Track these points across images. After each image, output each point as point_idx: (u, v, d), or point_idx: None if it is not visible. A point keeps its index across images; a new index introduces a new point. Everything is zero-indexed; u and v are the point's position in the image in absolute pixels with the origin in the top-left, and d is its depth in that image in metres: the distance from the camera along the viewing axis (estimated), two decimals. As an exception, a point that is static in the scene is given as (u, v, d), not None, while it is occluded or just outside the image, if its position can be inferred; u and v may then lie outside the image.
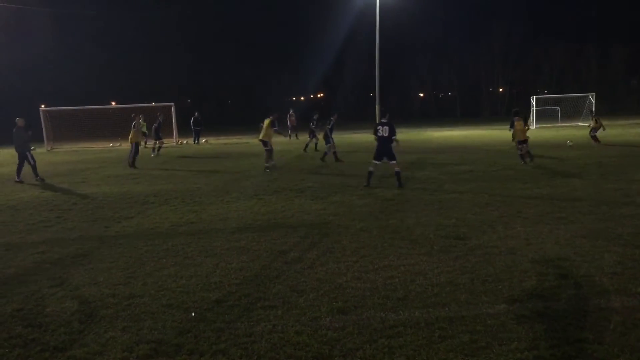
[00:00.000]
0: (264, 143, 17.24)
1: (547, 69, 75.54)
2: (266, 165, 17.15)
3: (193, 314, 5.36)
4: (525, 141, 16.67)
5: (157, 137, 24.70)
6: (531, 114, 38.71)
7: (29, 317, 5.46)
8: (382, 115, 14.54)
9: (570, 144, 23.23)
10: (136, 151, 20.04)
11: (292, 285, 6.11)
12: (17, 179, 16.42)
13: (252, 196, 12.30)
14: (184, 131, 36.35)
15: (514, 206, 10.20)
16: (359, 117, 44.43)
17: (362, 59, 61.12)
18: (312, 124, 24.60)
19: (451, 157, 19.71)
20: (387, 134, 12.90)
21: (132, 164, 19.69)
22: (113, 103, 44.04)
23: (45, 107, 36.12)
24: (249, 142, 32.28)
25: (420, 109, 79.69)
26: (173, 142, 33.25)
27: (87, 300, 5.90)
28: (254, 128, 29.01)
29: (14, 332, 5.09)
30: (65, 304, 5.81)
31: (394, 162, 12.97)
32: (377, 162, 13.27)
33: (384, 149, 12.98)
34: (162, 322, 5.20)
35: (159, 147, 24.87)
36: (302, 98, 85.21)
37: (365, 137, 33.54)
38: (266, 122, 17.41)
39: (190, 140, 33.89)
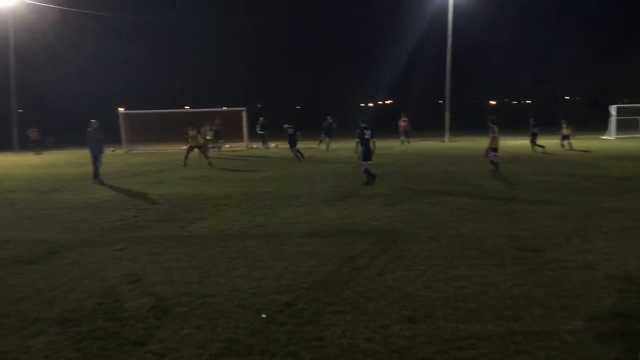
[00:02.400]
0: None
1: (628, 77, 72.04)
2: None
3: (264, 316, 5.46)
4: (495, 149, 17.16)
5: (217, 140, 25.92)
6: (610, 123, 37.09)
7: (109, 311, 5.71)
8: (362, 121, 15.17)
9: None
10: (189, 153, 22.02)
11: (361, 292, 6.11)
12: (94, 180, 17.13)
13: (321, 201, 12.39)
14: (254, 135, 37.04)
15: (593, 219, 9.80)
16: (428, 124, 43.90)
17: (432, 65, 60.41)
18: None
19: (525, 166, 19.16)
20: (370, 137, 14.72)
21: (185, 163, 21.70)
22: (187, 107, 45.44)
23: (123, 110, 37.71)
24: (317, 147, 32.52)
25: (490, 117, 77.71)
26: (243, 146, 33.96)
27: (162, 297, 6.11)
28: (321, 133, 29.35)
29: (95, 325, 5.34)
30: (142, 300, 6.04)
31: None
32: (369, 162, 14.88)
33: (369, 149, 14.81)
34: (235, 322, 5.32)
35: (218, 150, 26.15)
36: (371, 104, 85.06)
37: (433, 145, 33.13)
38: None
39: (260, 144, 34.50)
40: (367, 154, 14.82)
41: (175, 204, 12.58)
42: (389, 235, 8.91)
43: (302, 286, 6.37)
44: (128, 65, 64.60)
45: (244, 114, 35.25)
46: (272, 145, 34.84)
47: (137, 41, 65.47)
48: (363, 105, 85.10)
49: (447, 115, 39.45)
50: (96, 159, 17.22)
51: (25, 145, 36.75)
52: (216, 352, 4.66)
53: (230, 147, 31.59)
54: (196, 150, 22.29)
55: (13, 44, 40.63)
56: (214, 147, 26.99)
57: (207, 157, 22.14)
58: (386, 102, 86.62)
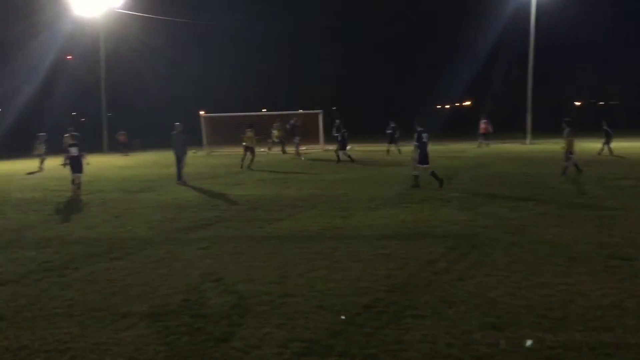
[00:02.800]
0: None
1: None
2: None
3: (343, 317, 5.49)
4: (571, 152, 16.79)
5: (292, 136, 26.55)
6: None
7: (194, 307, 5.92)
8: (419, 124, 15.01)
9: None
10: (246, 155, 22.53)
11: (441, 296, 6.02)
12: (178, 181, 17.78)
13: (397, 204, 12.31)
14: (330, 138, 37.27)
15: (690, 227, 9.21)
16: (508, 126, 42.63)
17: (514, 65, 58.61)
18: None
19: (613, 170, 18.24)
20: (427, 140, 14.66)
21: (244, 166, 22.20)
22: (264, 110, 46.26)
23: (204, 113, 38.92)
24: (389, 150, 32.29)
25: (576, 118, 74.37)
26: (319, 148, 34.25)
27: (244, 295, 6.27)
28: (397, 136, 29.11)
29: (181, 320, 5.55)
30: (225, 298, 6.22)
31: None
32: (425, 165, 14.70)
33: (426, 153, 14.69)
34: (314, 322, 5.38)
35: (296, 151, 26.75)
36: (447, 106, 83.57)
37: (514, 147, 32.16)
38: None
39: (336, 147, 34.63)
40: (425, 157, 14.72)
41: (254, 205, 12.86)
42: (469, 239, 8.73)
43: (381, 289, 6.35)
44: (209, 69, 66.72)
45: (320, 117, 35.57)
46: (347, 147, 34.91)
47: (217, 45, 67.46)
48: (439, 107, 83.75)
49: (529, 116, 38.18)
50: (180, 160, 17.89)
51: (114, 147, 38.70)
52: (297, 351, 4.73)
53: (306, 149, 31.90)
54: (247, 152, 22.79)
55: (104, 51, 42.89)
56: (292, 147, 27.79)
57: (245, 161, 22.71)
58: (464, 103, 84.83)
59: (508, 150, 29.74)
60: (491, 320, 5.29)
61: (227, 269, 7.41)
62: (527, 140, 36.39)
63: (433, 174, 14.72)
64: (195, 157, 30.35)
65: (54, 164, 26.11)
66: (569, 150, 16.75)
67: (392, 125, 29.73)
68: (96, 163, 28.72)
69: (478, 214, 10.89)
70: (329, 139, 36.81)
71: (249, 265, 7.53)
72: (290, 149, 30.45)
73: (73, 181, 15.67)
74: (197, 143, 38.12)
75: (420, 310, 5.60)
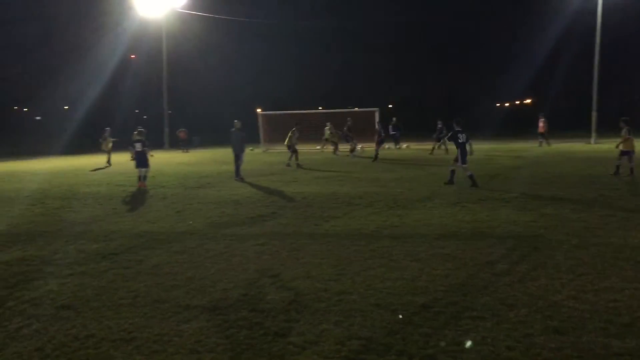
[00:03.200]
0: None
1: None
2: None
3: (400, 316, 5.46)
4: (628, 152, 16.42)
5: (347, 140, 26.57)
6: None
7: (252, 302, 6.02)
8: (457, 124, 14.94)
9: None
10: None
11: (501, 298, 5.90)
12: (236, 177, 18.08)
13: (455, 203, 12.12)
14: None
15: None
16: (573, 125, 41.27)
17: (578, 61, 56.71)
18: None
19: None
20: (465, 141, 14.69)
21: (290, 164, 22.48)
22: (320, 108, 46.48)
23: (261, 111, 39.45)
24: (450, 148, 31.82)
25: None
26: (374, 147, 34.07)
27: (301, 292, 6.32)
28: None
29: (240, 314, 5.65)
30: (282, 293, 6.30)
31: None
32: (465, 165, 14.73)
33: (465, 152, 14.74)
34: (371, 320, 5.37)
35: (352, 149, 27.03)
36: (507, 104, 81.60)
37: (578, 147, 31.14)
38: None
39: (391, 145, 34.45)
40: (464, 157, 14.72)
41: (311, 202, 12.94)
42: (530, 241, 8.51)
43: (439, 289, 6.28)
44: (267, 67, 67.60)
45: (377, 115, 35.41)
46: (404, 146, 34.67)
47: (276, 43, 68.21)
48: (498, 104, 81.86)
49: (594, 115, 36.79)
50: (238, 157, 18.21)
51: (175, 144, 39.77)
52: (354, 349, 4.74)
53: (362, 147, 31.80)
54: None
55: (165, 50, 44.07)
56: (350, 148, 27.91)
57: (292, 160, 22.89)
58: (524, 101, 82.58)
59: (572, 149, 28.79)
60: (554, 324, 5.15)
61: (284, 265, 7.49)
62: (592, 140, 35.10)
63: (471, 176, 14.72)
64: (253, 155, 30.82)
65: (120, 159, 27.10)
66: (629, 150, 16.34)
67: (439, 125, 29.96)
68: (157, 159, 29.62)
69: (540, 214, 10.59)
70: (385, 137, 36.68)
71: (305, 262, 7.59)
72: (344, 148, 30.33)
73: (140, 177, 16.59)
74: (255, 140, 38.73)
75: (479, 312, 5.50)
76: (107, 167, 24.70)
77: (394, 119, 35.05)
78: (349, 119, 29.69)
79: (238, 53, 66.68)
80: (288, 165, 22.58)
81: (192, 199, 13.86)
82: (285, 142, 23.36)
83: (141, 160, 16.81)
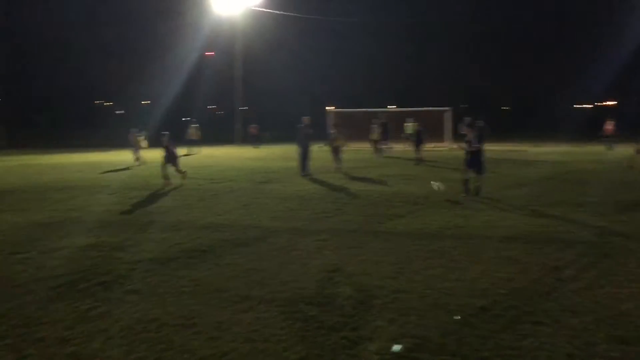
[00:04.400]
0: None
1: None
2: None
3: (458, 318, 5.37)
4: None
5: (385, 138, 26.26)
6: None
7: (310, 295, 6.09)
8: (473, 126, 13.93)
9: None
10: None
11: (565, 305, 5.69)
12: (302, 173, 18.25)
13: (524, 206, 11.76)
14: (457, 136, 36.38)
15: None
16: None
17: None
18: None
19: None
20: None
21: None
22: (393, 106, 46.12)
23: (333, 108, 39.62)
24: (527, 150, 30.93)
25: None
26: (445, 147, 33.51)
27: (359, 288, 6.34)
28: (530, 136, 27.79)
29: (297, 307, 5.73)
30: (339, 289, 6.33)
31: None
32: (478, 174, 13.48)
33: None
34: (427, 320, 5.32)
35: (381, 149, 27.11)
36: (589, 105, 78.09)
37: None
38: None
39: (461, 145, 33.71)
40: (475, 162, 13.25)
41: (375, 200, 12.91)
42: (601, 247, 8.14)
43: (500, 292, 6.13)
44: (339, 64, 67.85)
45: (448, 115, 34.80)
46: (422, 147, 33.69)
47: (349, 41, 68.27)
48: (578, 106, 78.49)
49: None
50: (305, 153, 18.39)
51: (246, 139, 40.65)
52: (408, 346, 4.71)
53: (435, 146, 31.39)
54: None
55: (240, 47, 45.09)
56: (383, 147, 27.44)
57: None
58: (606, 103, 78.79)
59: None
60: (619, 333, 4.92)
61: (343, 261, 7.53)
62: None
63: (466, 182, 13.40)
64: (321, 152, 30.96)
65: (184, 152, 27.97)
66: None
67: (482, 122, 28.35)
68: (228, 154, 30.50)
69: (614, 221, 10.11)
70: (455, 137, 35.98)
71: (365, 259, 7.59)
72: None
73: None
74: (324, 137, 38.90)
75: (540, 317, 5.34)
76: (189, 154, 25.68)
77: (467, 118, 34.21)
78: (383, 115, 29.00)
79: (310, 50, 67.15)
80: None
81: (259, 194, 14.13)
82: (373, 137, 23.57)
83: (170, 157, 16.60)
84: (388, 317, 5.41)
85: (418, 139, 23.73)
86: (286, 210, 11.71)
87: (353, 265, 7.31)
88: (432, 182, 9.84)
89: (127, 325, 5.24)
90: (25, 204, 12.68)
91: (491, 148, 31.71)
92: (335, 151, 20.81)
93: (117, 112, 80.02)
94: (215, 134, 45.35)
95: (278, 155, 29.15)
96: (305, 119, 18.60)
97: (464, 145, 13.45)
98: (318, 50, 66.75)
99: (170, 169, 16.39)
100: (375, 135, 27.88)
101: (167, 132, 17.06)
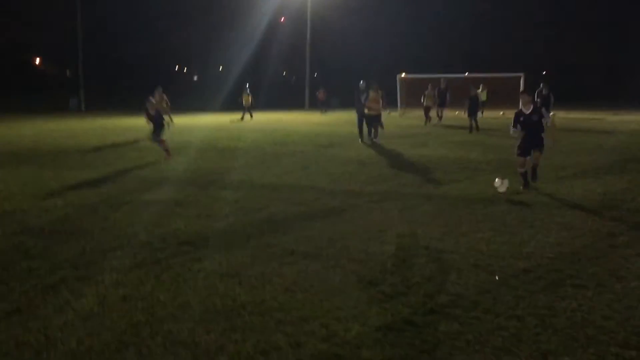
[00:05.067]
0: None
1: None
2: None
3: (497, 278, 5.38)
4: None
5: (442, 105, 25.83)
6: None
7: (352, 252, 6.23)
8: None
9: None
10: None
11: (612, 269, 5.56)
12: (370, 138, 18.21)
13: (591, 174, 11.38)
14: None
15: None
16: None
17: None
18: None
19: None
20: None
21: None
22: (466, 73, 44.85)
23: (405, 75, 39.04)
24: (605, 118, 29.53)
25: None
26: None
27: (403, 247, 6.43)
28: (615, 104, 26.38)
29: (339, 262, 5.89)
30: (384, 247, 6.44)
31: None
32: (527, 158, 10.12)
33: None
34: (465, 279, 5.36)
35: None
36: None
37: None
38: None
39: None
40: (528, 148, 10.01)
41: (435, 165, 12.82)
42: (665, 215, 7.82)
43: (546, 255, 6.05)
44: (410, 30, 66.46)
45: (522, 81, 33.60)
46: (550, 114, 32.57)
47: (420, 5, 66.63)
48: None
49: None
50: (361, 119, 18.32)
51: (314, 104, 40.89)
52: (441, 302, 4.79)
53: (503, 113, 30.51)
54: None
55: (310, 13, 45.04)
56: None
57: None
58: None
59: None
60: (664, 299, 4.79)
61: (392, 222, 7.61)
62: None
63: (529, 172, 10.12)
64: (389, 118, 30.75)
65: (261, 118, 28.54)
66: None
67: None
68: (296, 119, 30.90)
69: (686, 190, 9.63)
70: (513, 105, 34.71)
71: (414, 221, 7.64)
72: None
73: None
74: (392, 104, 38.56)
75: (583, 281, 5.26)
76: (242, 120, 26.50)
77: (542, 84, 32.94)
78: (443, 81, 27.73)
79: (382, 16, 66.08)
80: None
81: (320, 157, 14.33)
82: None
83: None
84: (427, 274, 5.49)
85: (473, 106, 22.90)
86: (344, 173, 11.84)
87: (401, 226, 7.38)
88: (496, 179, 9.26)
89: (177, 274, 5.57)
90: (99, 162, 13.44)
91: (568, 116, 30.52)
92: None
93: (194, 78, 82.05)
94: (286, 100, 45.92)
95: (345, 120, 29.15)
96: (362, 84, 18.59)
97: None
98: (389, 14, 65.56)
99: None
100: (429, 101, 27.06)
101: (152, 99, 15.08)
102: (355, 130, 18.78)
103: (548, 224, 7.39)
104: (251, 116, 29.56)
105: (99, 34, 56.95)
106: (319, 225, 7.44)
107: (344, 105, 41.61)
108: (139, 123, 19.62)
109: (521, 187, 9.84)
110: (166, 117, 15.18)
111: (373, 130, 18.09)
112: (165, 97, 20.56)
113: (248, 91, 29.83)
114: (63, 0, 49.50)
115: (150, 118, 14.25)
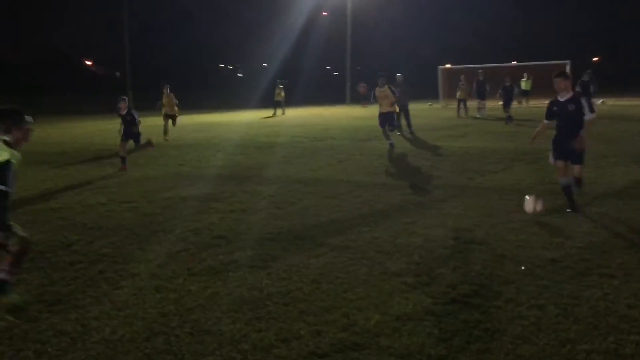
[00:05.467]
0: None
1: None
2: None
3: (523, 268, 5.37)
4: None
5: (480, 97, 24.82)
6: None
7: (379, 244, 6.32)
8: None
9: None
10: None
11: (642, 259, 5.48)
12: (410, 130, 18.18)
13: (632, 162, 11.08)
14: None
15: None
16: None
17: None
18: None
19: None
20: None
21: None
22: (514, 62, 43.93)
23: (450, 66, 38.57)
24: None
25: None
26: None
27: (430, 239, 6.46)
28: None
29: (366, 254, 5.98)
30: (412, 238, 6.49)
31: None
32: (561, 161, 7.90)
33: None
34: (490, 269, 5.37)
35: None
36: None
37: None
38: None
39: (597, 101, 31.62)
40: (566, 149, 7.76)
41: (472, 156, 12.73)
42: None
43: (576, 245, 6.00)
44: (450, 21, 65.54)
45: (568, 67, 32.70)
46: (598, 102, 31.62)
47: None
48: None
49: None
50: (404, 110, 18.30)
51: (355, 99, 40.87)
52: (463, 292, 4.82)
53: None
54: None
55: (350, 7, 45.02)
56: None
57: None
58: None
59: None
60: (692, 289, 4.71)
61: (423, 214, 7.65)
62: None
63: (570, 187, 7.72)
64: (430, 110, 30.57)
65: (295, 113, 28.76)
66: None
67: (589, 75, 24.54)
68: (336, 113, 31.03)
69: None
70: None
71: (445, 213, 7.66)
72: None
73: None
74: (433, 96, 38.30)
75: (611, 270, 5.20)
76: (274, 116, 27.02)
77: (589, 70, 31.99)
78: (480, 71, 26.95)
79: (424, 6, 65.48)
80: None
81: (356, 151, 14.42)
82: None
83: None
84: (452, 265, 5.53)
85: (507, 96, 22.46)
86: (379, 166, 11.91)
87: (431, 218, 7.41)
88: (526, 196, 7.47)
89: (209, 266, 5.78)
90: (142, 160, 13.88)
91: (616, 103, 29.60)
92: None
93: (239, 74, 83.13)
94: (328, 94, 46.06)
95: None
96: (399, 76, 18.60)
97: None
98: (431, 4, 64.86)
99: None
100: (461, 94, 26.48)
101: (125, 97, 13.20)
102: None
103: (582, 214, 7.29)
104: (283, 112, 29.87)
105: (144, 35, 58.44)
106: (349, 218, 7.55)
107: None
108: (181, 122, 20.20)
109: (567, 210, 7.49)
110: (177, 116, 15.42)
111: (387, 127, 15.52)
112: (173, 95, 19.12)
113: (281, 86, 30.33)
114: (111, 3, 50.96)
115: (124, 119, 12.46)
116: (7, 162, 4.32)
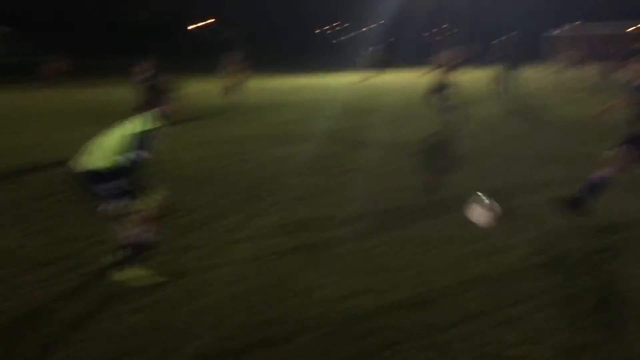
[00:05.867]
0: None
1: None
2: None
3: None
4: None
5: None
6: None
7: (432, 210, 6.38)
8: None
9: None
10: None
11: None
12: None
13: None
14: None
15: None
16: None
17: None
18: None
19: None
20: None
21: None
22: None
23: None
24: None
25: None
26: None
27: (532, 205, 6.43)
28: None
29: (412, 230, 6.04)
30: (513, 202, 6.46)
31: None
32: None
33: None
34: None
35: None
36: None
37: None
38: None
39: None
40: None
41: (566, 126, 12.36)
42: None
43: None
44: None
45: None
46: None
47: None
48: None
49: None
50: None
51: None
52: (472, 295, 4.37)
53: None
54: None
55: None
56: None
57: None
58: None
59: None
60: None
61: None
62: None
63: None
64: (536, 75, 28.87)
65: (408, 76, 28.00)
66: None
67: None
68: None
69: None
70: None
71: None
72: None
73: None
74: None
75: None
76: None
77: None
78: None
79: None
80: None
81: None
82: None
83: None
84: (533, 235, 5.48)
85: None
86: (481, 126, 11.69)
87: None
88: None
89: (302, 219, 6.13)
90: (241, 118, 14.50)
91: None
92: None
93: (334, 40, 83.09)
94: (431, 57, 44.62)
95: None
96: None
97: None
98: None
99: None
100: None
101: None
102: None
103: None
104: (376, 76, 29.04)
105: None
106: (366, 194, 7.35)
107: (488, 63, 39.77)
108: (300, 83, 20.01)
109: None
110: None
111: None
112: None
113: (373, 51, 30.07)
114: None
115: None
116: (150, 131, 4.44)
